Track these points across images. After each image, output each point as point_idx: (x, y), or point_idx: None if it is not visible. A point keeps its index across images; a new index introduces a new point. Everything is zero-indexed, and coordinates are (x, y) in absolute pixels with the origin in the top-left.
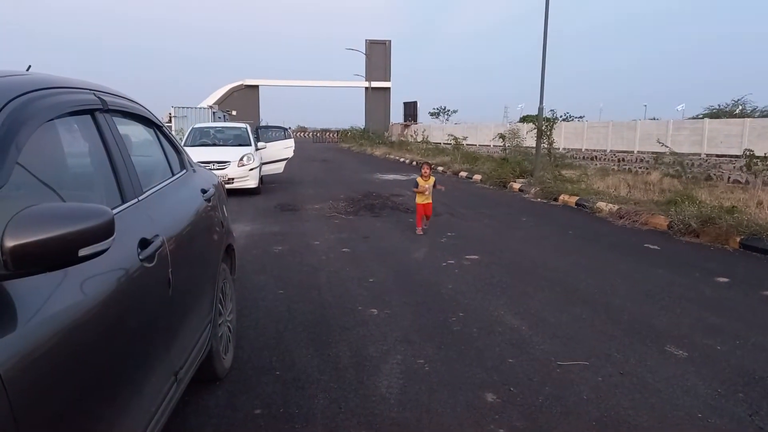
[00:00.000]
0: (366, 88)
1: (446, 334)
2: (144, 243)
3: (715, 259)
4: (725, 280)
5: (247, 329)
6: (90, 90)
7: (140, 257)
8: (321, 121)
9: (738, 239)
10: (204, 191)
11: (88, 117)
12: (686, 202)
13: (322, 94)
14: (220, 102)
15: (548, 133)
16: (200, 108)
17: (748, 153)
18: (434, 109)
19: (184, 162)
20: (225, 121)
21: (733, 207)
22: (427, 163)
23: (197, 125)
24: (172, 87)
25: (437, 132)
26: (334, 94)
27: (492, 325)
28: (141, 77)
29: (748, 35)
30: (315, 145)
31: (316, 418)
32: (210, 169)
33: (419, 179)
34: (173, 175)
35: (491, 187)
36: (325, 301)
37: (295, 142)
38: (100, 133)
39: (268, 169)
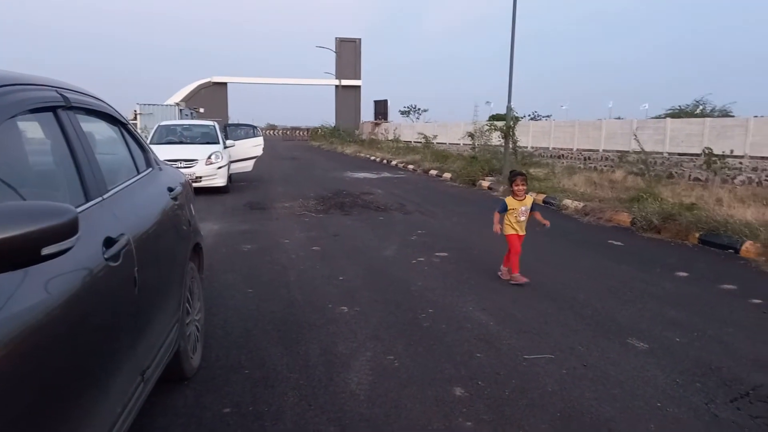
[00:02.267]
0: (336, 86)
1: (416, 330)
2: (109, 242)
3: (675, 255)
4: (685, 274)
5: (215, 328)
6: (52, 87)
7: (105, 256)
8: (291, 119)
9: (697, 235)
10: (170, 189)
11: (51, 114)
12: (648, 200)
13: (292, 92)
14: (188, 99)
15: (512, 133)
16: (167, 105)
17: (707, 151)
18: (405, 107)
19: (149, 160)
20: (192, 119)
21: (693, 204)
22: (521, 174)
23: (163, 122)
24: (135, 85)
25: (408, 130)
26: (304, 92)
27: (461, 321)
28: (102, 71)
29: (710, 37)
30: (285, 143)
31: (285, 416)
32: (177, 167)
33: (510, 200)
34: (139, 173)
35: (461, 185)
36: (294, 299)
37: (265, 140)
38: (62, 131)
39: (237, 168)
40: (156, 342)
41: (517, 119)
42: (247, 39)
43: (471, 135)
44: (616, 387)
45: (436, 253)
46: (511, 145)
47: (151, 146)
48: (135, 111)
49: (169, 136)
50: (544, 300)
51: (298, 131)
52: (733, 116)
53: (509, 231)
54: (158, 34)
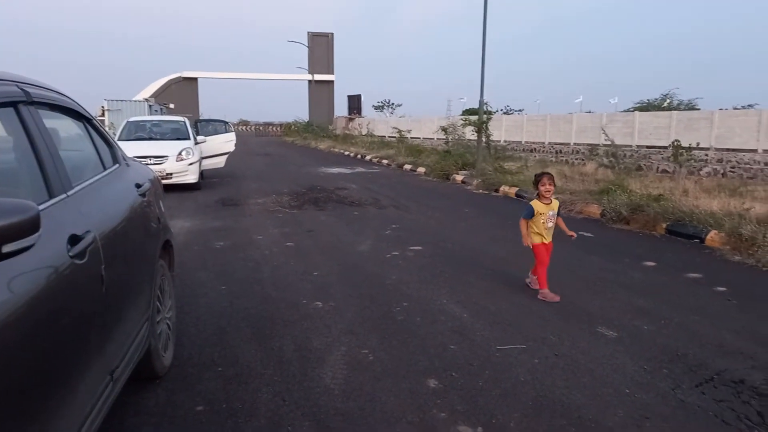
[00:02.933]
0: (309, 81)
1: (390, 324)
2: (74, 239)
3: (643, 245)
4: (652, 264)
5: (187, 326)
6: (13, 82)
7: (70, 254)
8: (264, 114)
9: (664, 226)
10: (138, 186)
11: (11, 110)
12: (618, 192)
13: (264, 87)
14: (157, 95)
15: (485, 127)
16: (136, 101)
17: (675, 144)
18: (378, 102)
19: (116, 156)
20: (162, 115)
21: (660, 195)
22: (548, 174)
23: (132, 118)
24: (102, 81)
25: (382, 125)
26: (277, 87)
27: (435, 313)
28: (66, 66)
29: (677, 33)
30: (258, 139)
31: (259, 412)
32: (147, 164)
33: (536, 203)
34: (105, 169)
35: (435, 179)
36: (268, 295)
37: (237, 136)
38: (24, 127)
39: (209, 164)
40: (125, 341)
41: (490, 114)
42: (219, 34)
43: (444, 130)
44: (587, 375)
45: (411, 247)
46: (484, 140)
47: (120, 143)
48: (102, 107)
49: (138, 132)
50: (517, 291)
51: (271, 127)
52: (698, 110)
53: (535, 239)
54: (126, 28)
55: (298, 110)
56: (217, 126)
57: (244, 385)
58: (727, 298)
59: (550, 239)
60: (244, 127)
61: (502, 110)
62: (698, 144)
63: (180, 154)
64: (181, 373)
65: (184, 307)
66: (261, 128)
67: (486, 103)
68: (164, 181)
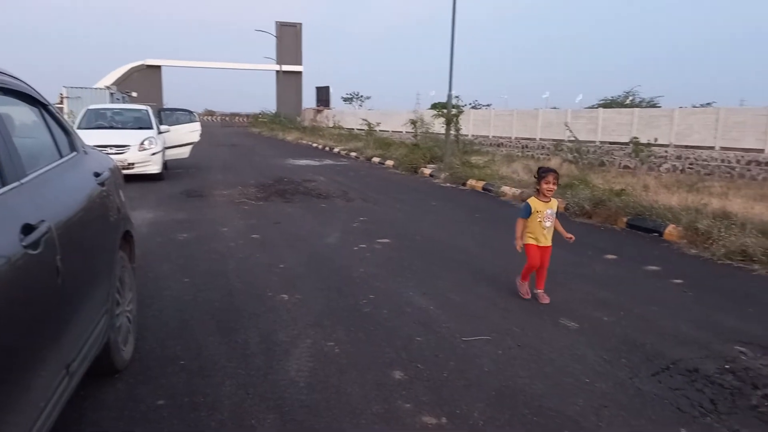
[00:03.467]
0: (277, 72)
1: (357, 316)
2: (28, 229)
3: (605, 239)
4: (613, 257)
5: (150, 319)
6: None
7: (23, 243)
8: (230, 104)
9: (625, 219)
10: (97, 175)
11: None
12: (581, 186)
13: (231, 77)
14: (119, 83)
15: (454, 122)
16: (96, 89)
17: (634, 140)
18: (347, 94)
19: (74, 144)
20: (124, 103)
21: (622, 190)
22: (553, 171)
23: (92, 106)
24: (61, 68)
25: (350, 117)
26: (244, 77)
27: (401, 306)
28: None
29: (641, 31)
30: (224, 130)
31: (222, 405)
32: (108, 153)
33: (534, 201)
34: (62, 157)
35: (403, 172)
36: (233, 288)
37: (203, 127)
38: None
39: (173, 154)
40: (82, 334)
41: (459, 108)
42: (184, 21)
43: (413, 123)
44: (548, 365)
45: (378, 240)
46: (453, 133)
47: (79, 131)
48: (61, 94)
49: (99, 120)
50: (482, 284)
51: (237, 117)
52: (659, 107)
53: (528, 240)
54: (86, 14)
55: (266, 101)
56: (182, 115)
57: (208, 379)
58: (683, 289)
59: (549, 242)
60: (210, 118)
61: (470, 104)
62: (656, 139)
63: (142, 143)
64: (143, 367)
65: (146, 300)
66: (227, 119)
67: (457, 97)
68: (126, 172)
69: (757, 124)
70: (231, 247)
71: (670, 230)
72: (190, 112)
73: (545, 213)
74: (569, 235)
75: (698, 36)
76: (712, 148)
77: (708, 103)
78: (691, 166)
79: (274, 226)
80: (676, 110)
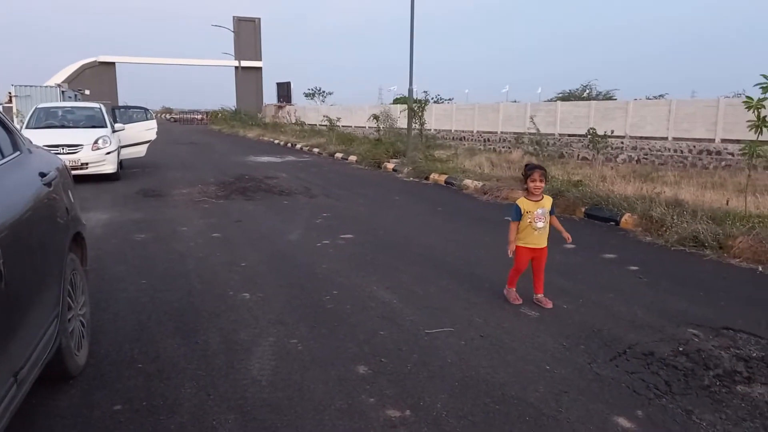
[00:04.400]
0: (236, 68)
1: (320, 312)
2: None
3: (564, 227)
4: (572, 246)
5: (105, 323)
6: None
7: None
8: (188, 102)
9: (583, 209)
10: (43, 175)
11: None
12: None
13: (188, 74)
14: (71, 80)
15: (420, 114)
16: (47, 87)
17: (590, 132)
18: (309, 89)
19: (17, 143)
20: (77, 102)
21: (579, 181)
22: (540, 168)
23: (41, 105)
24: (8, 66)
25: (312, 113)
26: (202, 74)
27: (365, 300)
28: None
29: (599, 28)
30: (182, 127)
31: (182, 408)
32: (59, 153)
33: (523, 201)
34: (4, 157)
35: (366, 167)
36: (193, 288)
37: (159, 124)
38: None
39: (129, 153)
40: (31, 340)
41: (423, 103)
42: (139, 16)
43: (376, 117)
44: (510, 354)
45: (342, 236)
46: (417, 127)
47: (29, 131)
48: (9, 93)
49: (49, 119)
50: (445, 276)
51: (197, 115)
52: (615, 100)
53: (518, 241)
54: (35, 9)
55: (226, 98)
56: (137, 113)
57: (166, 381)
58: (638, 276)
59: (543, 244)
60: (168, 115)
61: (432, 99)
62: (613, 131)
63: (96, 142)
64: (98, 372)
65: (100, 303)
66: (186, 116)
67: (425, 93)
68: (79, 172)
69: (707, 115)
70: (190, 247)
71: (626, 219)
72: (146, 110)
73: (535, 213)
74: (567, 235)
75: (651, 33)
76: (665, 138)
77: (661, 96)
78: (645, 157)
79: (235, 224)
80: (630, 102)
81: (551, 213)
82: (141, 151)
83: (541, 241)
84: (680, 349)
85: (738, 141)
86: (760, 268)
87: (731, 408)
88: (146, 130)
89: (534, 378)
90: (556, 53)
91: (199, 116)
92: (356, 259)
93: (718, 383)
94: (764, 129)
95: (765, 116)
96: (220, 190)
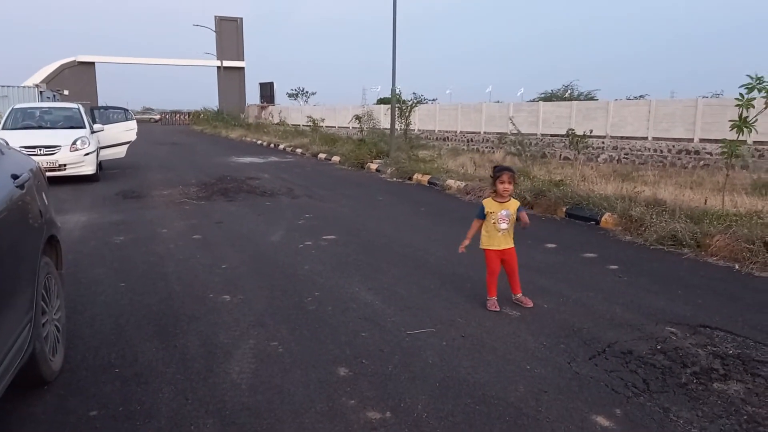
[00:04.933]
0: (218, 68)
1: (301, 314)
2: None
3: (545, 228)
4: (553, 245)
5: (82, 327)
6: None
7: None
8: (170, 102)
9: (564, 209)
10: (15, 177)
11: None
12: (522, 178)
13: (170, 74)
14: (49, 80)
15: (407, 115)
16: (24, 87)
17: (570, 132)
18: (292, 90)
19: None
20: (55, 102)
21: (560, 181)
22: (508, 170)
23: (19, 105)
24: None
25: (296, 114)
26: (184, 74)
27: (347, 302)
28: None
29: (581, 29)
30: (164, 128)
31: (159, 413)
32: (37, 154)
33: (488, 202)
34: None
35: (349, 168)
36: (172, 290)
37: (140, 125)
38: None
39: (108, 154)
40: (3, 345)
41: (411, 105)
42: (119, 15)
43: (359, 118)
44: (491, 354)
45: (324, 237)
46: (402, 127)
47: (5, 132)
48: None
49: (26, 120)
50: (428, 276)
51: (178, 115)
52: (596, 100)
53: (483, 243)
54: (12, 8)
55: (208, 98)
56: (117, 114)
57: (144, 386)
58: (618, 275)
59: (508, 245)
60: (149, 116)
61: (416, 100)
62: (591, 131)
63: (74, 143)
64: (74, 377)
65: (77, 307)
66: (167, 116)
67: (414, 94)
68: (57, 173)
69: (686, 115)
70: (170, 249)
71: (606, 218)
72: (126, 110)
73: (499, 214)
74: (526, 221)
75: (632, 34)
76: (645, 138)
77: (641, 96)
78: (626, 156)
79: (216, 225)
80: (611, 103)
81: (518, 211)
82: (121, 152)
83: (506, 243)
84: (658, 347)
85: (716, 141)
86: (737, 266)
87: (708, 405)
88: (126, 131)
89: (514, 377)
90: (538, 52)
91: (182, 116)
92: (338, 260)
93: (695, 381)
94: (743, 129)
95: (746, 116)
96: (201, 191)
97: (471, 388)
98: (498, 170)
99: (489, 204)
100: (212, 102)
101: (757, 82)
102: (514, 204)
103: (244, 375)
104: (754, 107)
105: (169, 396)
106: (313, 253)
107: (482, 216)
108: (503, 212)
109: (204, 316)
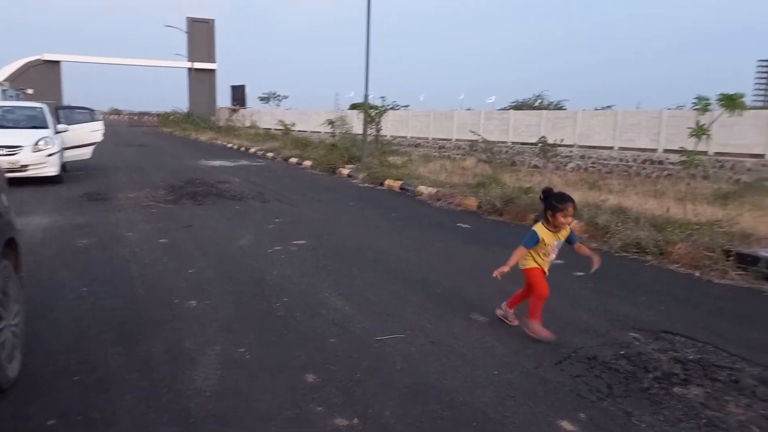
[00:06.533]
0: (189, 69)
1: (269, 320)
2: None
3: (514, 235)
4: None
5: (42, 332)
6: None
7: None
8: (139, 103)
9: (533, 216)
10: None
11: None
12: (493, 185)
13: (139, 74)
14: (13, 79)
15: (377, 121)
16: None
17: (541, 141)
18: (264, 93)
19: None
20: (19, 101)
21: (529, 188)
22: (573, 202)
23: None
24: None
25: (267, 117)
26: (154, 75)
27: (316, 307)
28: None
29: (551, 38)
30: (132, 129)
31: (120, 421)
32: None
33: (541, 229)
34: None
35: (321, 172)
36: (137, 295)
37: (109, 126)
38: None
39: (73, 155)
40: None
41: (381, 110)
42: (87, 14)
43: (331, 122)
44: (459, 359)
45: (294, 241)
46: (374, 133)
47: None
48: None
49: None
50: (398, 282)
51: (147, 117)
52: (565, 110)
53: (530, 263)
54: None
55: (178, 100)
56: (82, 114)
57: (105, 393)
58: (584, 281)
59: (546, 273)
60: (116, 117)
61: (389, 105)
62: (562, 140)
63: (37, 144)
64: (32, 384)
65: (38, 311)
66: (136, 118)
67: (383, 98)
68: (19, 174)
69: (651, 125)
70: (136, 253)
71: (573, 226)
72: (92, 111)
73: (552, 245)
74: (596, 257)
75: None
76: (611, 148)
77: (608, 106)
78: (593, 165)
79: (184, 229)
80: (579, 112)
81: (570, 241)
82: (86, 153)
83: (546, 271)
84: (622, 352)
85: (679, 151)
86: (698, 273)
87: (669, 409)
88: (91, 132)
89: (482, 383)
90: (511, 62)
91: (150, 118)
92: (308, 265)
93: (656, 385)
94: (704, 138)
95: (703, 124)
96: (169, 194)
97: (439, 394)
98: (561, 200)
99: (544, 232)
100: (182, 104)
101: (704, 101)
102: (565, 232)
103: (210, 382)
104: (709, 110)
105: (131, 403)
106: (283, 258)
107: (533, 245)
108: (556, 242)
109: (169, 322)
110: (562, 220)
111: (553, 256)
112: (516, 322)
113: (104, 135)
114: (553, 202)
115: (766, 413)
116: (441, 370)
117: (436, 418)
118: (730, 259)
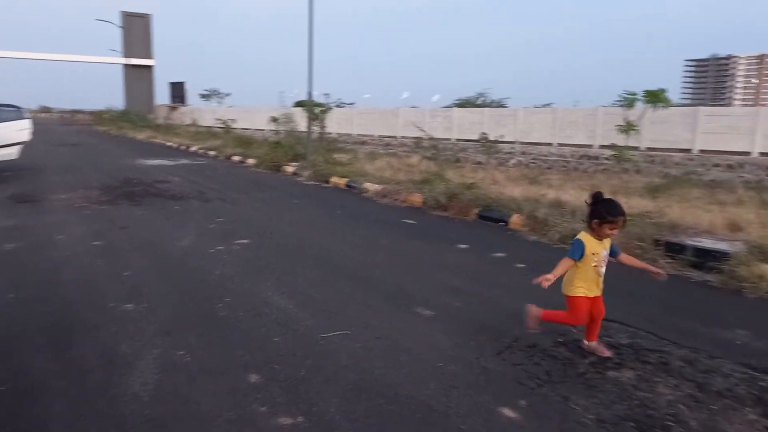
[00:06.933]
0: (125, 66)
1: (210, 321)
2: None
3: (457, 229)
4: (465, 246)
5: None
6: None
7: None
8: (71, 101)
9: (476, 211)
10: None
11: None
12: (437, 181)
13: (70, 71)
14: None
15: (321, 119)
16: None
17: (482, 137)
18: (206, 90)
19: None
20: None
21: (472, 184)
22: (624, 218)
23: None
24: None
25: (209, 115)
26: (87, 71)
27: (259, 306)
28: None
29: (493, 44)
30: (64, 128)
31: (50, 430)
32: None
33: (587, 237)
34: None
35: (265, 171)
36: (69, 299)
37: (38, 125)
38: None
39: None
40: None
41: (324, 107)
42: (13, 6)
43: (275, 120)
44: (404, 354)
45: (237, 241)
46: (318, 131)
47: None
48: None
49: None
50: (343, 279)
51: (80, 115)
52: (507, 107)
53: (578, 290)
54: None
55: (113, 97)
56: (7, 112)
57: (34, 402)
58: (525, 273)
59: (600, 291)
60: (46, 115)
61: (334, 103)
62: (503, 137)
63: None
64: None
65: None
66: (68, 116)
67: (327, 95)
68: None
69: (587, 122)
70: (68, 256)
71: (515, 219)
72: (19, 108)
73: (601, 254)
74: (658, 270)
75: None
76: (550, 144)
77: (547, 104)
78: (534, 161)
79: (120, 231)
80: (520, 110)
81: (616, 253)
82: (12, 153)
83: (599, 288)
84: (560, 340)
85: (613, 146)
86: None
87: (603, 392)
88: (18, 131)
89: (426, 376)
90: (453, 66)
91: (83, 116)
92: (252, 265)
93: (592, 370)
94: (634, 134)
95: (632, 121)
96: (104, 195)
97: (384, 389)
98: (614, 212)
99: (590, 242)
100: (118, 101)
101: (631, 94)
102: (608, 242)
103: (147, 386)
104: (634, 106)
105: (62, 411)
106: (225, 257)
107: (579, 256)
108: (605, 252)
109: (104, 326)
110: (609, 232)
111: (604, 267)
112: (608, 353)
113: (33, 134)
114: (603, 212)
115: (692, 393)
116: (386, 365)
117: (381, 413)
118: (659, 248)
